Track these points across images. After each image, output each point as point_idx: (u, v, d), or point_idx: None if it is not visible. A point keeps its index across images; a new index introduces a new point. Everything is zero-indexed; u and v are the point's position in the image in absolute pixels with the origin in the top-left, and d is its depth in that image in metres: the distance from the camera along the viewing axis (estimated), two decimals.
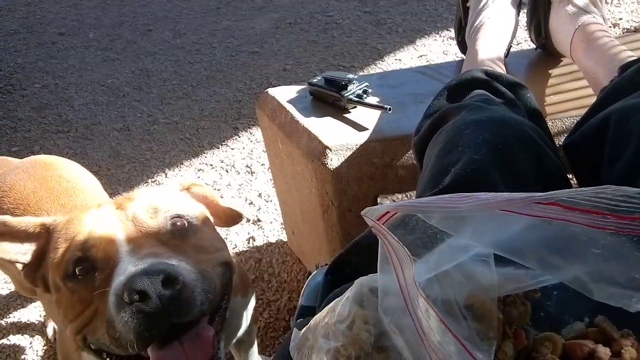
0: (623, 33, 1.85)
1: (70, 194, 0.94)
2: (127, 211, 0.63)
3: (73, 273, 0.58)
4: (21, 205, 0.93)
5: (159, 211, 0.62)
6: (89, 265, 0.57)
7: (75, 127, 2.00)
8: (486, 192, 0.33)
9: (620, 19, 1.93)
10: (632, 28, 1.88)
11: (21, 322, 1.31)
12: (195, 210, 0.68)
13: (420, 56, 1.99)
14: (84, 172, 1.08)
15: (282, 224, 1.42)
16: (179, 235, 0.62)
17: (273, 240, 1.41)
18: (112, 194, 1.61)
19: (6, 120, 2.09)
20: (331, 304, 0.40)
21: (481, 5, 0.97)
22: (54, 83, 2.29)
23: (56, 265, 0.60)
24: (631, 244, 0.29)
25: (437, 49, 2.01)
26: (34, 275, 0.66)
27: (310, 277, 0.67)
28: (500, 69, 0.88)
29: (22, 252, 0.66)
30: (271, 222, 1.46)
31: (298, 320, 0.55)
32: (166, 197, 0.68)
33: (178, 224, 0.62)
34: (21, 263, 0.66)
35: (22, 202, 0.93)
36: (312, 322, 0.41)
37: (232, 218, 0.80)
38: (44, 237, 0.66)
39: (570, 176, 0.73)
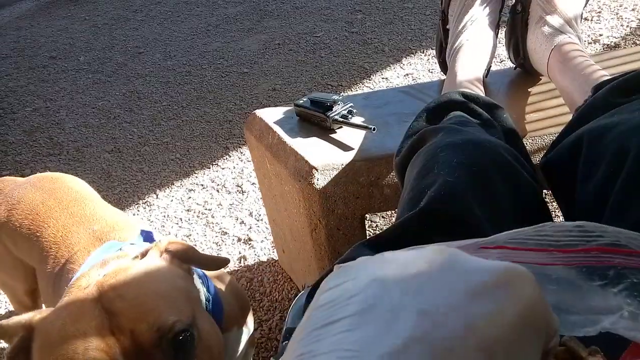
0: (603, 49, 1.90)
1: (80, 204, 0.96)
2: (121, 323, 0.55)
3: None
4: (30, 215, 0.95)
5: (164, 335, 0.56)
6: None
7: (66, 149, 2.01)
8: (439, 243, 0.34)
9: (601, 35, 1.98)
10: (612, 44, 1.92)
11: None
12: (189, 306, 0.62)
13: (407, 74, 2.03)
14: (90, 187, 1.10)
15: (272, 242, 1.43)
16: (182, 358, 0.57)
17: (264, 259, 1.42)
18: None
19: None
20: None
21: (460, 27, 1.00)
22: (45, 106, 2.31)
23: None
24: (581, 274, 0.30)
25: (422, 67, 2.05)
26: None
27: (296, 298, 0.68)
28: (479, 90, 0.90)
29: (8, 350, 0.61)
30: (262, 241, 1.47)
31: (284, 343, 0.56)
32: (162, 296, 0.60)
33: (181, 338, 0.57)
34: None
35: (31, 212, 0.95)
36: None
37: (217, 263, 0.75)
38: (25, 335, 0.61)
39: (548, 192, 0.75)
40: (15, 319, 0.62)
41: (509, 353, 0.21)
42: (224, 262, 0.75)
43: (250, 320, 0.89)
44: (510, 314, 0.21)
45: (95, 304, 0.58)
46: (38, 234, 0.91)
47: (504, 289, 0.22)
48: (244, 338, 0.85)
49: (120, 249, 0.77)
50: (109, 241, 0.84)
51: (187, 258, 0.71)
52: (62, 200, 0.96)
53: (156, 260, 0.68)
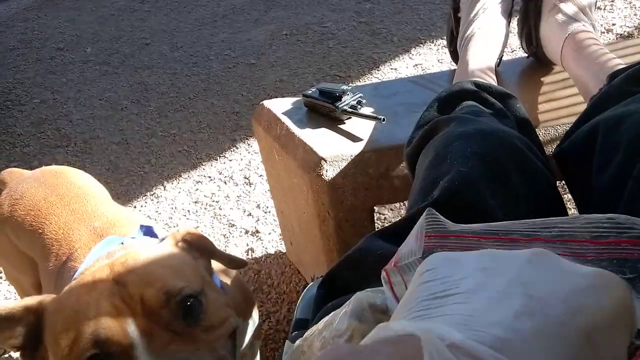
0: (617, 39, 1.87)
1: (82, 200, 0.95)
2: (131, 291, 0.59)
3: None
4: (32, 211, 0.94)
5: (171, 297, 0.59)
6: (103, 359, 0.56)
7: (74, 141, 2.01)
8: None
9: (614, 24, 1.95)
10: (626, 33, 1.89)
11: None
12: (198, 279, 0.65)
13: (416, 65, 2.01)
14: (94, 181, 1.09)
15: (280, 234, 1.43)
16: (192, 321, 0.60)
17: (272, 251, 1.41)
18: None
19: (5, 135, 2.10)
20: (328, 318, 0.40)
21: (472, 15, 0.98)
22: (53, 98, 2.31)
23: (61, 357, 0.58)
24: (612, 266, 0.31)
25: (432, 58, 2.03)
26: (33, 357, 0.64)
27: (305, 289, 0.68)
28: (491, 79, 0.89)
29: (12, 337, 0.63)
30: (270, 233, 1.46)
31: (293, 334, 0.55)
32: (169, 268, 0.64)
33: (189, 304, 0.60)
34: (15, 347, 0.64)
35: (33, 208, 0.95)
36: (307, 334, 0.41)
37: (236, 263, 0.78)
38: (32, 319, 0.63)
39: (562, 183, 0.74)
40: (14, 303, 0.63)
41: (605, 339, 0.23)
42: (242, 264, 0.78)
43: (255, 313, 0.89)
44: (607, 308, 0.24)
45: (107, 278, 0.61)
46: (40, 231, 0.91)
47: (601, 288, 0.25)
48: (249, 330, 0.85)
49: (122, 243, 0.76)
50: (109, 236, 0.83)
51: (203, 249, 0.73)
52: (64, 197, 0.96)
53: (170, 247, 0.70)
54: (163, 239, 0.72)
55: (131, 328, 0.56)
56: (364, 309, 0.38)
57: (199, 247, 0.73)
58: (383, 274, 0.35)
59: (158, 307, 0.58)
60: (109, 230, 0.86)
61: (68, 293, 0.62)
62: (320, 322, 0.40)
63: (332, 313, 0.40)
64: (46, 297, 0.64)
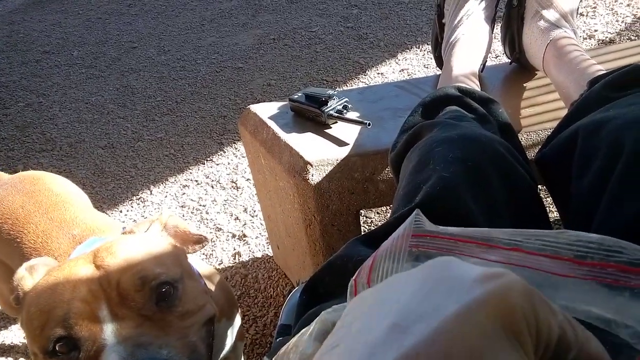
0: (598, 44, 1.90)
1: (60, 208, 0.94)
2: (110, 276, 0.60)
3: (53, 349, 0.56)
4: (9, 219, 0.93)
5: (146, 282, 0.60)
6: (70, 343, 0.56)
7: (59, 145, 1.99)
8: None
9: (596, 30, 1.98)
10: (607, 39, 1.92)
11: (5, 344, 1.30)
12: (178, 267, 0.66)
13: (402, 70, 2.02)
14: (74, 187, 1.08)
15: (267, 239, 1.43)
16: (165, 306, 0.60)
17: (259, 255, 1.41)
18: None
19: None
20: (295, 338, 0.39)
21: (456, 22, 0.99)
22: (38, 101, 2.29)
23: (33, 336, 0.59)
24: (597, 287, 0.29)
25: (418, 63, 2.04)
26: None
27: (290, 294, 0.68)
28: (475, 85, 0.90)
29: None
30: (257, 237, 1.46)
31: (278, 339, 0.55)
32: (151, 256, 0.64)
33: (164, 290, 0.60)
34: None
35: (10, 216, 0.93)
36: (280, 353, 0.40)
37: (199, 243, 0.80)
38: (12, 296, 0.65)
39: (543, 187, 0.75)
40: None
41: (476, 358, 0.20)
42: (205, 239, 0.79)
43: (237, 315, 0.89)
44: (477, 318, 0.20)
45: (89, 263, 0.62)
46: (18, 240, 0.90)
47: (478, 295, 0.21)
48: (231, 331, 0.85)
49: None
50: (90, 237, 0.83)
51: (175, 234, 0.75)
52: (42, 204, 0.94)
53: (155, 234, 0.72)
54: (152, 223, 0.73)
55: (103, 313, 0.57)
56: (328, 331, 0.36)
57: (178, 235, 0.75)
58: (351, 283, 0.34)
59: (132, 292, 0.59)
60: (89, 238, 0.85)
61: (48, 277, 0.63)
62: (290, 341, 0.39)
63: (301, 332, 0.39)
64: (28, 279, 0.65)
